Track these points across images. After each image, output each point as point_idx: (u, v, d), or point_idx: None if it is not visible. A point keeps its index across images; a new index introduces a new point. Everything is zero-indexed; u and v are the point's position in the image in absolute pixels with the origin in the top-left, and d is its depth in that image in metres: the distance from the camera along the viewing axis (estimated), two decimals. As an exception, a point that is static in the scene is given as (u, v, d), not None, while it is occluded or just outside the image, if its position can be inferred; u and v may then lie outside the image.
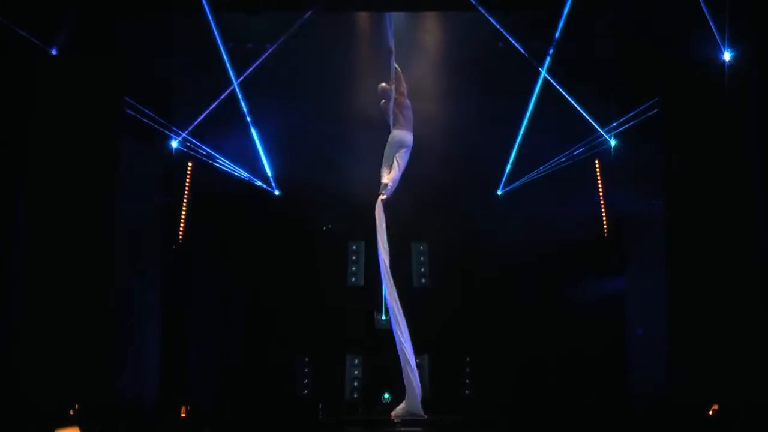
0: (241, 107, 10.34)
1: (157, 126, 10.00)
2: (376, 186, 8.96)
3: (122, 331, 9.23)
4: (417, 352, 11.04)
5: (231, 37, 10.37)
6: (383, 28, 8.84)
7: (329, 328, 10.97)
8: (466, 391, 11.05)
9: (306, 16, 9.65)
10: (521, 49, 10.08)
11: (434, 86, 10.80)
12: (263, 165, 10.75)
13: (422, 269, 11.29)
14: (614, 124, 10.36)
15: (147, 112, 9.78)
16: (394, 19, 9.09)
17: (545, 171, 10.72)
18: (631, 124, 10.11)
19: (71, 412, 8.08)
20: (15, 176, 8.76)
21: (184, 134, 10.29)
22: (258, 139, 10.56)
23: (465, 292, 11.06)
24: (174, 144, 10.31)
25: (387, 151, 8.87)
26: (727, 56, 8.95)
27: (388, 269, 8.81)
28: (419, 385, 8.95)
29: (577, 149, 10.59)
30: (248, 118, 10.33)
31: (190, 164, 10.87)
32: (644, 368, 10.00)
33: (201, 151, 10.53)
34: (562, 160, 10.65)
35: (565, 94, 10.28)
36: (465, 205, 11.01)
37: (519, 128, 10.67)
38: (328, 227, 11.18)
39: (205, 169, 10.71)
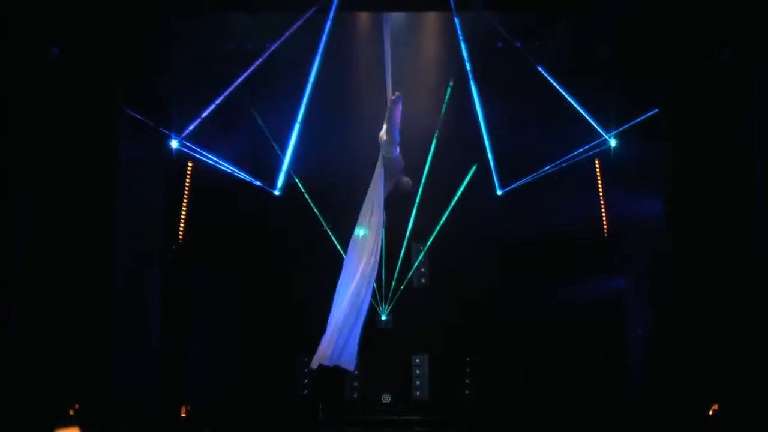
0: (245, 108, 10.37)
1: (156, 126, 10.01)
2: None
3: (122, 331, 9.22)
4: (417, 352, 11.18)
5: (231, 37, 10.40)
6: (381, 32, 8.82)
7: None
8: (466, 391, 11.06)
9: (307, 16, 9.66)
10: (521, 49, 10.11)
11: (433, 85, 10.80)
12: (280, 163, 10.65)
13: (422, 269, 11.29)
14: (614, 124, 10.37)
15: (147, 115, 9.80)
16: (393, 19, 9.09)
17: (545, 171, 10.72)
18: (631, 124, 10.12)
19: (71, 412, 8.08)
20: (15, 176, 8.76)
21: (182, 136, 10.30)
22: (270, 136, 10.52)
23: (465, 292, 11.06)
24: (174, 144, 10.30)
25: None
26: (727, 56, 8.95)
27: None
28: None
29: (577, 149, 10.59)
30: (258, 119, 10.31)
31: (190, 164, 10.88)
32: (644, 368, 10.00)
33: (201, 150, 10.54)
34: (563, 160, 10.64)
35: (565, 94, 10.29)
36: (465, 205, 11.00)
37: (519, 128, 10.68)
38: (328, 227, 11.16)
39: (205, 168, 10.71)
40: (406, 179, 9.09)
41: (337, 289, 8.64)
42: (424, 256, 11.19)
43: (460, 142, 10.82)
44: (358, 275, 8.48)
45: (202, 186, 10.92)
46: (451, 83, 9.46)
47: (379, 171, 8.66)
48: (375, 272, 8.59)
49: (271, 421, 10.44)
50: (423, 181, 10.52)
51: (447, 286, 11.20)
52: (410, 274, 11.00)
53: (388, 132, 8.54)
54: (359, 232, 8.62)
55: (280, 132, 10.55)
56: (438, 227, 10.78)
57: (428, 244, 10.73)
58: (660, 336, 9.39)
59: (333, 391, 10.94)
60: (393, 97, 8.45)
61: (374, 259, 8.52)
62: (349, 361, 8.50)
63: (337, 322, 8.40)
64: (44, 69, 8.90)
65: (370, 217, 8.56)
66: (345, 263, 8.67)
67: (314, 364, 8.55)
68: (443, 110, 9.25)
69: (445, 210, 10.89)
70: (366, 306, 8.52)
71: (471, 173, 9.97)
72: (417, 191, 10.47)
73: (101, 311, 8.78)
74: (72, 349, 8.56)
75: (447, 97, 9.08)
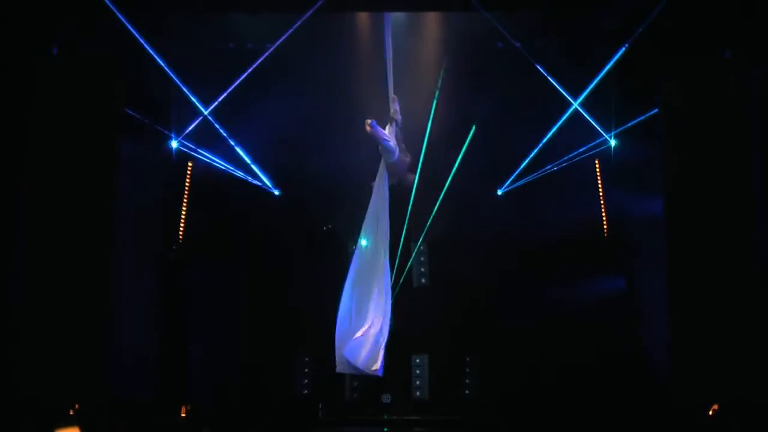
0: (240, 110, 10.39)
1: (156, 126, 10.04)
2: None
3: (122, 331, 9.22)
4: (417, 352, 11.18)
5: (231, 37, 10.40)
6: (382, 33, 8.81)
7: (329, 327, 10.96)
8: (466, 391, 11.06)
9: (306, 17, 9.66)
10: (521, 49, 10.11)
11: (432, 86, 10.81)
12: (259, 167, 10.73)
13: (422, 269, 11.29)
14: (614, 124, 10.37)
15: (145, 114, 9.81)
16: (393, 20, 9.09)
17: (545, 171, 10.72)
18: (631, 124, 10.12)
19: (71, 412, 8.08)
20: (14, 176, 8.76)
21: (181, 136, 10.32)
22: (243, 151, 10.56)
23: (465, 292, 11.06)
24: (174, 144, 10.33)
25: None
26: (727, 56, 8.96)
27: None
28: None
29: (577, 149, 10.59)
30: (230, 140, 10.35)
31: (190, 164, 10.89)
32: (643, 368, 10.00)
33: (201, 150, 10.56)
34: (563, 160, 10.65)
35: (566, 94, 10.29)
36: (465, 205, 11.00)
37: (518, 128, 10.69)
38: (328, 227, 11.17)
39: (205, 168, 10.73)
40: (412, 176, 9.07)
41: (343, 295, 8.56)
42: (424, 255, 11.20)
43: (460, 140, 10.82)
44: (378, 284, 8.40)
45: (202, 186, 10.92)
46: (445, 61, 9.45)
47: (382, 173, 8.62)
48: (390, 277, 8.55)
49: (271, 421, 10.44)
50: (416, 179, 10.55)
51: (447, 286, 11.20)
52: (406, 270, 10.99)
53: (379, 144, 8.51)
54: (363, 242, 8.53)
55: (280, 132, 10.59)
56: (431, 216, 10.76)
57: (422, 235, 10.67)
58: (660, 336, 9.38)
59: (333, 391, 10.93)
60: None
61: (386, 266, 8.48)
62: (380, 368, 8.44)
63: (366, 331, 8.33)
64: (44, 69, 8.90)
65: (377, 223, 8.48)
66: (351, 271, 8.54)
67: (341, 370, 8.51)
68: (436, 93, 9.24)
69: (448, 207, 10.89)
70: (389, 313, 8.48)
71: (471, 133, 9.91)
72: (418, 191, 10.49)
73: (101, 311, 8.78)
74: (72, 348, 8.56)
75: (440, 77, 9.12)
